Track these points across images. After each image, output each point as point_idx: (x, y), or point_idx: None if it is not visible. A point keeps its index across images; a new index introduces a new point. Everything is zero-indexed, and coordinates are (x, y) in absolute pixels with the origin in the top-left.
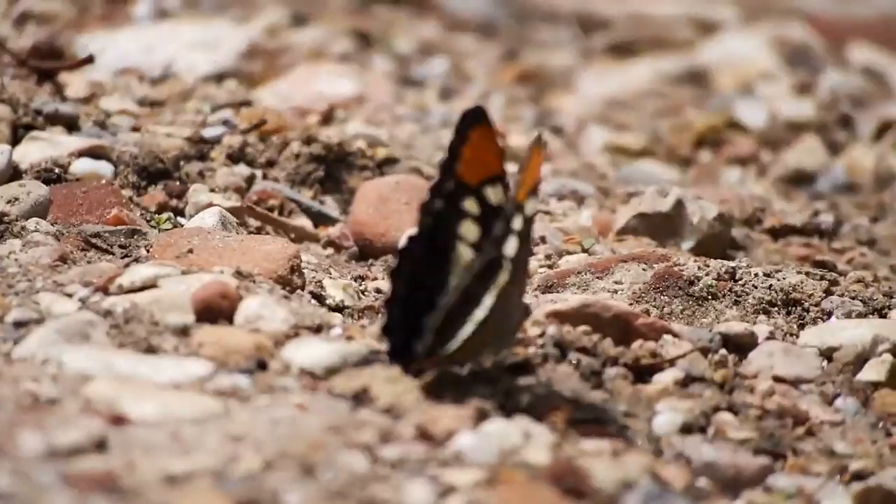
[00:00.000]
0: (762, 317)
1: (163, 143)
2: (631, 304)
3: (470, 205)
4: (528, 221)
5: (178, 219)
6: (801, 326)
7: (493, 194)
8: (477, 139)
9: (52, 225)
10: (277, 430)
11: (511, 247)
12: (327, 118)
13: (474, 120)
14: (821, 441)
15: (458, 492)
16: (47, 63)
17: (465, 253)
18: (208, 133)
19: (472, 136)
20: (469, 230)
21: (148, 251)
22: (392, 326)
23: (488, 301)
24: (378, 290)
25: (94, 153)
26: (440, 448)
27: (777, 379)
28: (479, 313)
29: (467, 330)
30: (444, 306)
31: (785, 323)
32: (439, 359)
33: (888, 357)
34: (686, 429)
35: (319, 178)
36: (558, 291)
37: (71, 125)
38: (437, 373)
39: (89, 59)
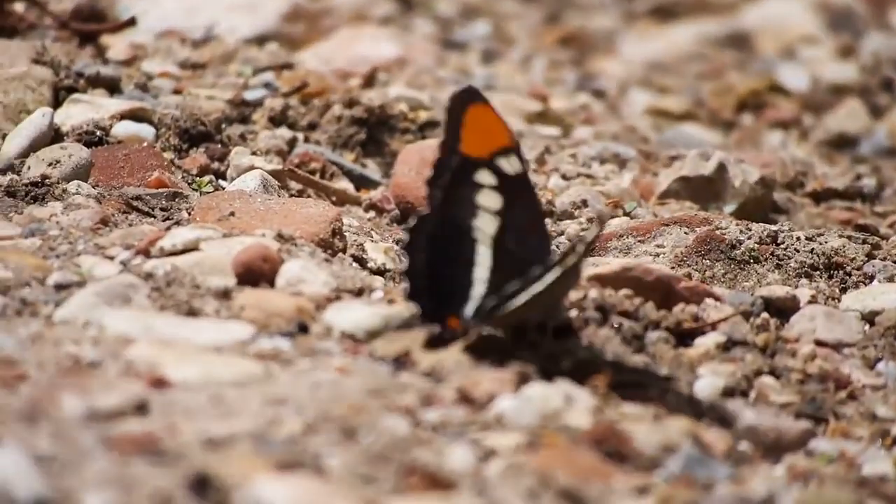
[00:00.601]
0: (804, 280)
1: (204, 106)
2: (672, 268)
3: (483, 177)
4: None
5: (220, 182)
6: (843, 290)
7: (509, 164)
8: (473, 117)
9: (93, 188)
10: (319, 394)
11: (591, 232)
12: (369, 81)
13: (468, 99)
14: (862, 405)
15: (499, 455)
16: (89, 25)
17: (488, 222)
18: (250, 96)
19: (468, 116)
20: (489, 200)
21: (189, 214)
22: (418, 292)
23: (551, 277)
24: None
25: (136, 116)
26: (481, 411)
27: (819, 343)
28: (538, 287)
29: (521, 300)
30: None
31: (827, 287)
32: (486, 320)
33: None
34: (728, 392)
35: (361, 141)
36: (600, 255)
37: (113, 88)
38: (477, 336)
39: (131, 22)
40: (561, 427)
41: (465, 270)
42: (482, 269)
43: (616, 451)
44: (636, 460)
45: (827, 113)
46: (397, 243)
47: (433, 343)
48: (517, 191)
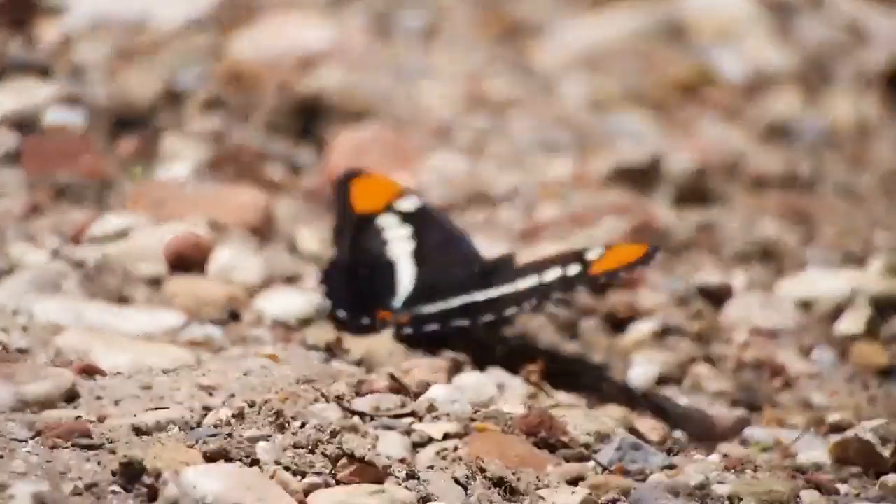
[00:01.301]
0: (739, 268)
1: (136, 93)
2: None
3: (385, 220)
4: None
5: (152, 169)
6: (779, 278)
7: (407, 203)
8: (359, 187)
9: (23, 175)
10: (249, 381)
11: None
12: (303, 68)
13: (350, 176)
14: (798, 393)
15: (431, 443)
16: (20, 12)
17: (402, 246)
18: (182, 83)
19: (353, 188)
20: (398, 231)
21: (120, 201)
22: (341, 303)
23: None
24: None
25: (67, 102)
26: (414, 400)
27: (754, 330)
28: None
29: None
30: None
31: (762, 274)
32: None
33: (865, 308)
34: (662, 380)
35: (295, 129)
36: (534, 243)
37: (44, 74)
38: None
39: (62, 8)
40: (494, 415)
41: (388, 280)
42: (405, 276)
43: (549, 439)
44: (569, 448)
45: (763, 100)
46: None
47: (364, 332)
48: (424, 217)
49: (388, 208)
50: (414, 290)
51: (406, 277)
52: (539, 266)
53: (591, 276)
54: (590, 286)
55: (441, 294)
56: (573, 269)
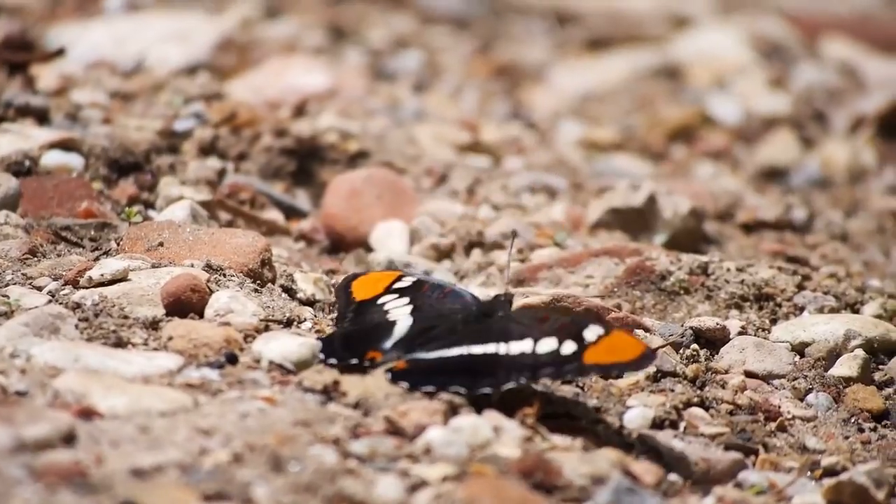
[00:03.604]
0: (734, 311)
1: (134, 136)
2: (602, 299)
3: (383, 298)
4: None
5: (149, 212)
6: (774, 321)
7: (402, 282)
8: (359, 284)
9: (21, 218)
10: (247, 424)
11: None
12: (299, 111)
13: (351, 280)
14: (792, 436)
15: (428, 486)
16: (18, 55)
17: (401, 309)
18: (179, 126)
19: (353, 286)
20: (396, 302)
21: (118, 244)
22: (334, 351)
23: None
24: None
25: (65, 146)
26: (410, 442)
27: (749, 374)
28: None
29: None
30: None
31: (757, 318)
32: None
33: (860, 352)
34: (657, 423)
35: (291, 172)
36: (530, 285)
37: (42, 118)
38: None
39: (60, 52)
40: (490, 458)
41: (384, 331)
42: (402, 326)
43: (545, 482)
44: (565, 491)
45: (758, 144)
46: (327, 274)
47: (354, 371)
48: (421, 285)
49: (387, 290)
50: (408, 333)
51: (402, 327)
52: (535, 327)
53: (584, 366)
54: (579, 375)
55: (436, 337)
56: (568, 348)
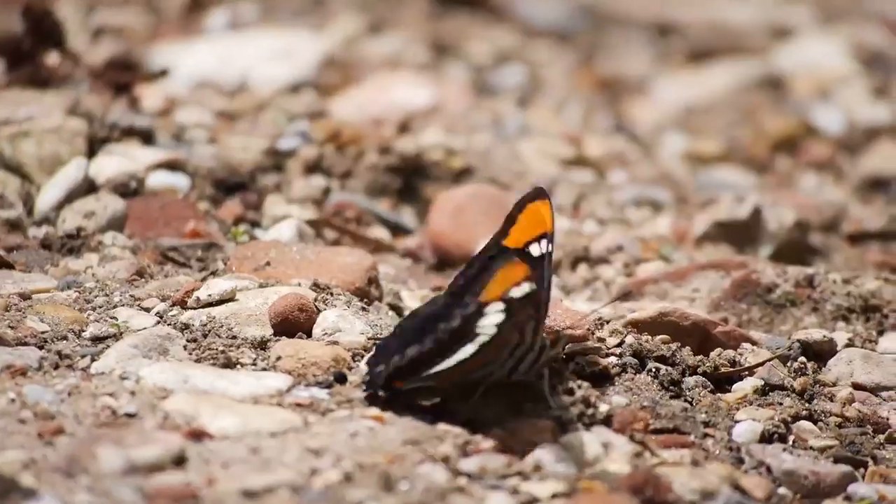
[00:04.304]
0: (841, 323)
1: (239, 156)
2: (709, 312)
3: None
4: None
5: (255, 231)
6: (881, 333)
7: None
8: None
9: (128, 239)
10: (356, 443)
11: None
12: (403, 128)
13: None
14: None
15: (538, 503)
16: (122, 76)
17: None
18: (284, 145)
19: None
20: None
21: (225, 264)
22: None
23: (466, 351)
24: None
25: (171, 166)
26: (520, 460)
27: (857, 386)
28: (457, 357)
29: (443, 366)
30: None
31: (864, 329)
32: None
33: None
34: (766, 437)
35: (396, 189)
36: (636, 300)
37: (147, 138)
38: (518, 386)
39: (164, 72)
40: (599, 474)
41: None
42: None
43: (655, 498)
44: None
45: (861, 154)
46: (434, 291)
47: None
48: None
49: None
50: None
51: None
52: None
53: None
54: None
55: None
56: None
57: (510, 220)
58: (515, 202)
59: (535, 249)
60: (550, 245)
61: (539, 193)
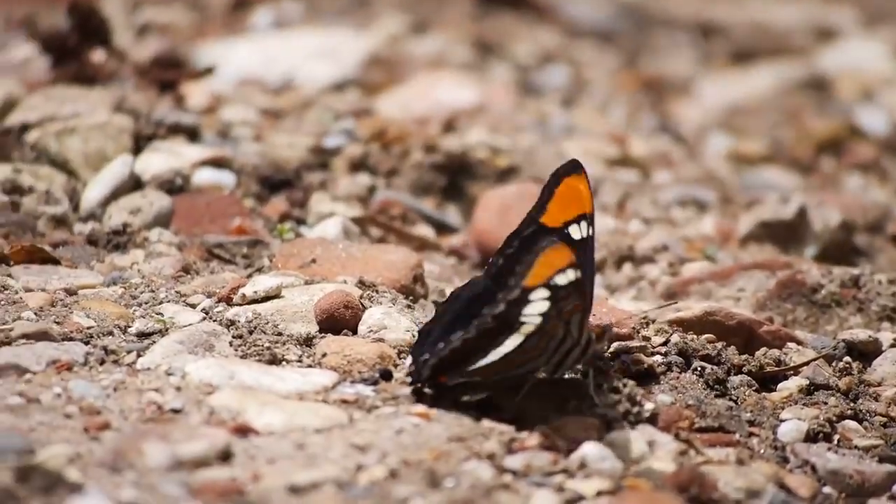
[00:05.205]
0: (886, 324)
1: (284, 153)
2: (754, 312)
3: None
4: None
5: (301, 228)
6: None
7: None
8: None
9: (174, 235)
10: (402, 440)
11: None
12: (448, 127)
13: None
14: None
15: (583, 501)
16: (168, 74)
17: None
18: (329, 142)
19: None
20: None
21: (271, 261)
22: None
23: (511, 343)
24: None
25: (216, 163)
26: (565, 457)
27: None
28: (502, 350)
29: (488, 360)
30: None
31: None
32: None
33: None
34: (811, 436)
35: (441, 187)
36: (681, 299)
37: (192, 135)
38: (563, 384)
39: (209, 70)
40: (645, 472)
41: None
42: None
43: (700, 496)
44: None
45: None
46: None
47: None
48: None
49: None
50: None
51: None
52: None
53: None
54: None
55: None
56: None
57: (547, 194)
58: (550, 174)
59: (575, 232)
60: (591, 228)
61: (574, 167)
